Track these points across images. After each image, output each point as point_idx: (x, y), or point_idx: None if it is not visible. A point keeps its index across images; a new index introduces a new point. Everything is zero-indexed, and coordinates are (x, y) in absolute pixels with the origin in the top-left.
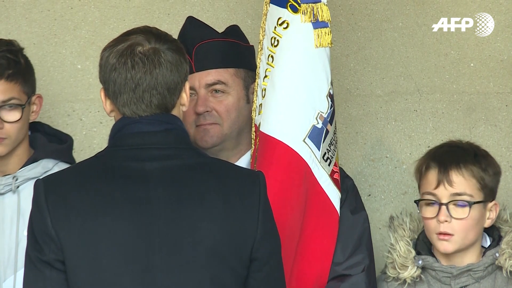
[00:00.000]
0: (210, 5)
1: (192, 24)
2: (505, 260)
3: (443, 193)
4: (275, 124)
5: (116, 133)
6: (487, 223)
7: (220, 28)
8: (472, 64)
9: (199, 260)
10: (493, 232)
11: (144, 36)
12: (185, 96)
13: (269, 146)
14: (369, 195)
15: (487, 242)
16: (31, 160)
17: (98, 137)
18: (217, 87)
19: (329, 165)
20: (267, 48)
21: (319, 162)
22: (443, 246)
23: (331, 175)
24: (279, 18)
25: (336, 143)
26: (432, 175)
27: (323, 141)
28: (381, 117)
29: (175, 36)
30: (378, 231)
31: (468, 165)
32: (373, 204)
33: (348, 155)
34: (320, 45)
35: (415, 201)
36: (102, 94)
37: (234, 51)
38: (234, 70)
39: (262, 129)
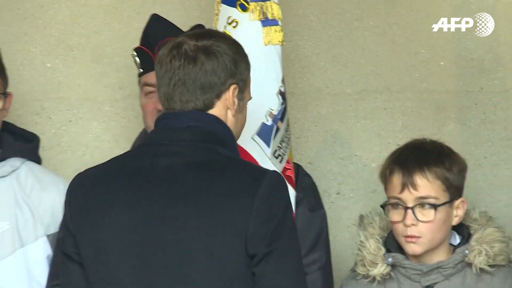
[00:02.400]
0: (181, 3)
1: (156, 22)
2: (475, 256)
3: (408, 197)
4: None
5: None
6: (455, 221)
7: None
8: (442, 63)
9: (194, 258)
10: (463, 230)
11: (193, 36)
12: (230, 99)
13: None
14: (338, 193)
15: (456, 240)
16: None
17: (67, 136)
18: None
19: (280, 162)
20: None
21: (270, 159)
22: (411, 248)
23: (283, 172)
24: (229, 17)
25: (289, 140)
26: (397, 179)
27: (274, 138)
28: (351, 116)
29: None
30: (347, 229)
31: (431, 167)
32: (342, 202)
33: (317, 153)
34: (269, 43)
35: (381, 205)
36: None
37: None
38: None
39: None
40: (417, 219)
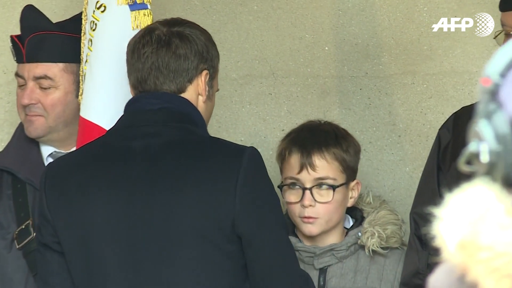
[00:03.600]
0: None
1: (29, 13)
2: (367, 238)
3: (306, 177)
4: (91, 108)
5: (123, 113)
6: (350, 202)
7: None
8: (326, 48)
9: (180, 237)
10: (356, 213)
11: (165, 22)
12: (202, 85)
13: (86, 130)
14: None
15: (350, 223)
16: None
17: None
18: (44, 82)
19: None
20: (88, 32)
21: None
22: (308, 228)
23: None
24: (97, 2)
25: None
26: (295, 160)
27: None
28: (236, 101)
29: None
30: None
31: (330, 148)
32: None
33: None
34: (137, 27)
35: (279, 186)
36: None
37: (68, 45)
38: (64, 65)
39: (81, 113)
40: (315, 200)
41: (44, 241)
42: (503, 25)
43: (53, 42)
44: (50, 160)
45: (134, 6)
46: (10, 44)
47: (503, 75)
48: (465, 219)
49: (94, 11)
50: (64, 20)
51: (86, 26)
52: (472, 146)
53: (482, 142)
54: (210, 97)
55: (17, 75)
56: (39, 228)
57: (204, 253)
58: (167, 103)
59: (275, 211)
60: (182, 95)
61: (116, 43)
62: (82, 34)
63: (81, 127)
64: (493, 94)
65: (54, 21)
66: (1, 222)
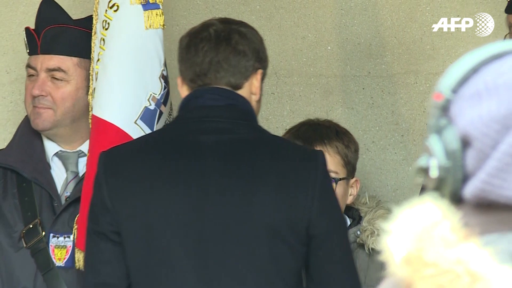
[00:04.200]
0: None
1: (47, 5)
2: (367, 237)
3: None
4: (106, 106)
5: (182, 107)
6: (349, 200)
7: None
8: (329, 48)
9: (253, 234)
10: (353, 213)
11: (220, 19)
12: (257, 84)
13: (100, 128)
14: None
15: (347, 222)
16: None
17: None
18: (56, 74)
19: None
20: (100, 31)
21: None
22: None
23: None
24: (109, 1)
25: None
26: None
27: (157, 122)
28: None
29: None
30: None
31: (332, 141)
32: None
33: None
34: (150, 27)
35: None
36: (179, 79)
37: (84, 41)
38: (78, 59)
39: (94, 112)
40: None
41: (100, 229)
42: (510, 27)
43: (69, 36)
44: (56, 159)
45: (147, 6)
46: (24, 36)
47: (454, 91)
48: (412, 234)
49: (106, 10)
50: (81, 18)
51: (97, 25)
52: (421, 161)
53: (432, 157)
54: (260, 98)
55: (28, 66)
56: (95, 216)
57: (276, 253)
58: (232, 100)
59: (340, 212)
60: (238, 91)
61: (129, 42)
62: (93, 33)
63: (95, 125)
64: (445, 109)
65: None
66: (7, 220)
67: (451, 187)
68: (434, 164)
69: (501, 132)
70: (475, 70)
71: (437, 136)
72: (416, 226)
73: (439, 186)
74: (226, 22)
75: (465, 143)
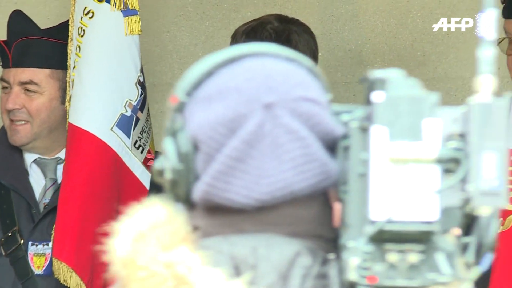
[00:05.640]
0: None
1: (16, 17)
2: None
3: None
4: (82, 114)
5: None
6: None
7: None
8: (320, 54)
9: None
10: None
11: (276, 17)
12: None
13: (75, 136)
14: None
15: None
16: None
17: None
18: (29, 87)
19: (141, 152)
20: (76, 38)
21: (131, 150)
22: None
23: (144, 162)
24: (85, 8)
25: (150, 130)
26: None
27: (134, 129)
28: None
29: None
30: None
31: None
32: None
33: None
34: (130, 33)
35: None
36: None
37: (55, 51)
38: (50, 71)
39: (70, 120)
40: None
41: None
42: (506, 32)
43: (39, 47)
44: (34, 166)
45: (127, 12)
46: None
47: (189, 93)
48: (131, 236)
49: (82, 17)
50: (51, 27)
51: (73, 32)
52: (157, 163)
53: (166, 159)
54: None
55: (2, 79)
56: None
57: None
58: None
59: None
60: None
61: (105, 49)
62: (69, 40)
63: (71, 133)
64: (179, 112)
65: (47, 27)
66: None
67: (184, 189)
68: (168, 166)
69: (227, 135)
70: (210, 74)
71: (172, 138)
72: (137, 228)
73: (173, 188)
74: (284, 21)
75: (196, 146)
